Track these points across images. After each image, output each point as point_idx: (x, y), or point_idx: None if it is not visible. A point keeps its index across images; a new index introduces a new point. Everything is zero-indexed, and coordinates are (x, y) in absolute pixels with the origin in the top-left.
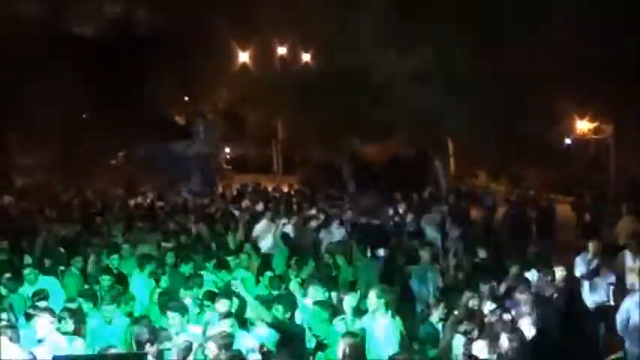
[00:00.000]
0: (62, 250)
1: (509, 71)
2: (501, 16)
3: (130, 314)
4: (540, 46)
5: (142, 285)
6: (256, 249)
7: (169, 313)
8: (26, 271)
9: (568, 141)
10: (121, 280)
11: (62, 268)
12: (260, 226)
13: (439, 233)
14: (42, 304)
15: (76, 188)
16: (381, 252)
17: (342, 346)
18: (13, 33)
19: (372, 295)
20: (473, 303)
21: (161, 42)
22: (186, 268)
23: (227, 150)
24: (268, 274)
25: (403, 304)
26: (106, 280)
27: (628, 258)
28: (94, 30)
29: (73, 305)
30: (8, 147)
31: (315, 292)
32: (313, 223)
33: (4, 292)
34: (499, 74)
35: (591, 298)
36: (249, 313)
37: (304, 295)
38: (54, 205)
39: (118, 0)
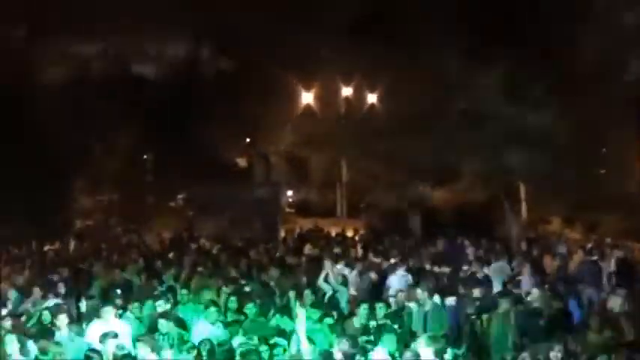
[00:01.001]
0: (119, 294)
1: (582, 118)
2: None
3: None
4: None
5: (203, 332)
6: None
7: None
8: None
9: None
10: (181, 325)
11: (120, 312)
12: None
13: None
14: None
15: (136, 231)
16: (451, 300)
17: None
18: (75, 73)
19: (422, 342)
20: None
21: (223, 83)
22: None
23: (289, 193)
24: (328, 320)
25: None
26: (164, 325)
27: None
28: (156, 71)
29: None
30: (69, 189)
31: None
32: (376, 270)
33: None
34: (573, 121)
35: None
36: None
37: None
38: (112, 248)
39: (181, 41)
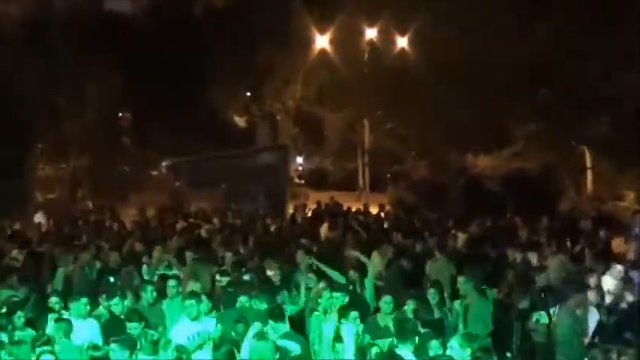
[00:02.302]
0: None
1: None
2: None
3: None
4: None
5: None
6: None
7: None
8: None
9: None
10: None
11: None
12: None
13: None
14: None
15: (109, 207)
16: (494, 293)
17: None
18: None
19: (456, 342)
20: None
21: (219, 22)
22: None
23: (300, 161)
24: (353, 314)
25: None
26: (134, 327)
27: None
28: (134, 6)
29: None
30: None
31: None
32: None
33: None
34: None
35: None
36: None
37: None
38: (79, 227)
39: None
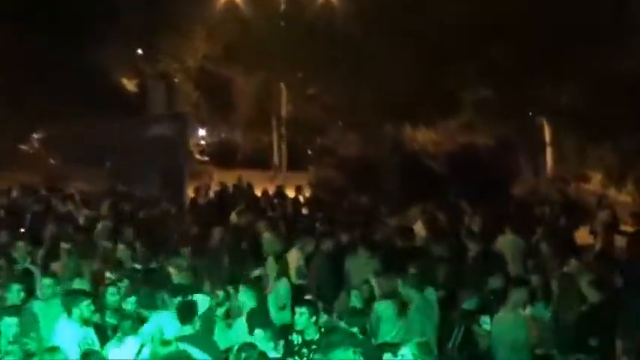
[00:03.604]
0: None
1: None
2: None
3: None
4: None
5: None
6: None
7: None
8: None
9: None
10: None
11: None
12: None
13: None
14: None
15: None
16: (432, 293)
17: None
18: None
19: (408, 353)
20: None
21: None
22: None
23: (202, 133)
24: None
25: None
26: None
27: None
28: None
29: None
30: None
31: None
32: (327, 246)
33: None
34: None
35: None
36: None
37: None
38: None
39: None
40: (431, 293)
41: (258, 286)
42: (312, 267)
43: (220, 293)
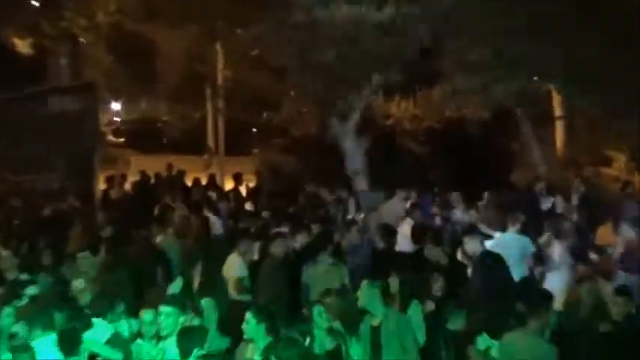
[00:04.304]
0: None
1: None
2: None
3: None
4: None
5: None
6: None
7: None
8: None
9: None
10: None
11: None
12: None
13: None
14: None
15: None
16: (417, 308)
17: None
18: None
19: None
20: None
21: None
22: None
23: (117, 107)
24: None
25: None
26: None
27: None
28: None
29: None
30: None
31: None
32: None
33: None
34: None
35: None
36: None
37: None
38: None
39: None
40: (416, 309)
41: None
42: (259, 278)
43: (145, 313)
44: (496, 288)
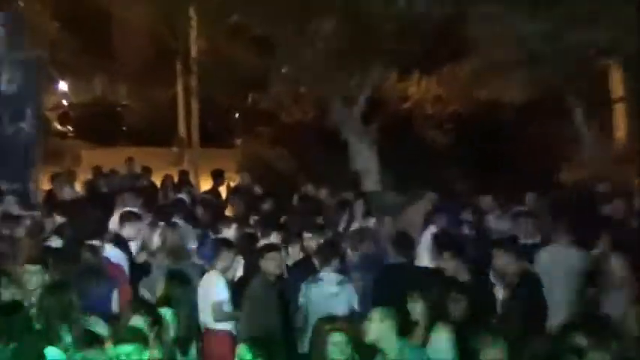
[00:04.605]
0: None
1: None
2: None
3: None
4: None
5: None
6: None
7: None
8: None
9: None
10: None
11: None
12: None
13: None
14: None
15: None
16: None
17: None
18: None
19: None
20: None
21: None
22: None
23: (64, 88)
24: None
25: None
26: None
27: None
28: None
29: None
30: None
31: None
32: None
33: None
34: None
35: None
36: None
37: None
38: None
39: None
40: (442, 336)
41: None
42: (246, 302)
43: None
44: (542, 314)
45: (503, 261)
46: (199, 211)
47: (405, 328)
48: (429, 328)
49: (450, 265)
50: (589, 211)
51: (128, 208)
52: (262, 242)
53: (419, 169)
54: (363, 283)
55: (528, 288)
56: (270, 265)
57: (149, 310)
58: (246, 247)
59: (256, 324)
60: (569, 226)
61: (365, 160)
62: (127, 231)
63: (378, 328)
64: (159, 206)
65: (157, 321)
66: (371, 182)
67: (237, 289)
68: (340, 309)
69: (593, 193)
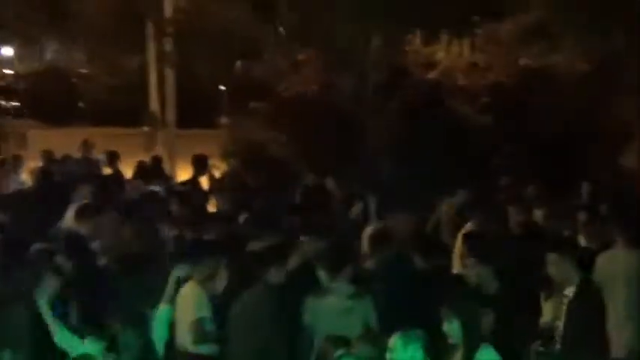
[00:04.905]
0: None
1: None
2: None
3: None
4: None
5: None
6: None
7: None
8: None
9: None
10: None
11: None
12: None
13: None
14: None
15: None
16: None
17: None
18: None
19: None
20: None
21: None
22: None
23: (9, 54)
24: None
25: None
26: None
27: None
28: None
29: None
30: None
31: None
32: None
33: None
34: None
35: None
36: None
37: None
38: None
39: None
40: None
41: None
42: (235, 318)
43: None
44: (600, 330)
45: (558, 268)
46: (175, 206)
47: (437, 353)
48: (470, 352)
49: (473, 272)
50: None
51: (85, 201)
52: (254, 245)
53: (448, 154)
54: (381, 296)
55: (589, 303)
56: (274, 274)
57: (104, 332)
58: (234, 251)
59: (249, 348)
60: (631, 225)
61: (382, 142)
62: (84, 228)
63: (404, 354)
64: (124, 200)
65: (113, 346)
66: (389, 172)
67: (222, 303)
68: (354, 328)
69: None
